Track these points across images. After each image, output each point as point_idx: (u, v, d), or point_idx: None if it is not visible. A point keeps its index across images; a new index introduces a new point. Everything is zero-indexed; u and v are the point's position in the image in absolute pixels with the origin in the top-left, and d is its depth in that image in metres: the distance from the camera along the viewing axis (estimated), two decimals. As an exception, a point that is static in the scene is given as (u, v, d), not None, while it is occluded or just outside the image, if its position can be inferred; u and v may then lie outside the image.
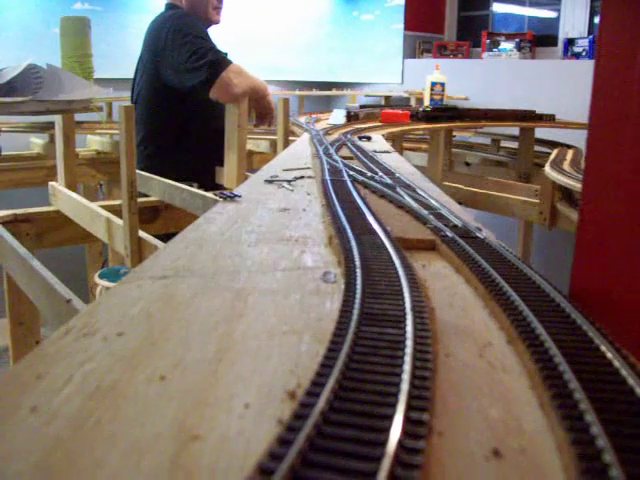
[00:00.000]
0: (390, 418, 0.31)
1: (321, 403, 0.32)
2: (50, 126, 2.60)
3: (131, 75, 2.63)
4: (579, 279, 0.63)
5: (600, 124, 0.68)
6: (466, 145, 3.59)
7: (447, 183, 2.53)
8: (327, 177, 1.06)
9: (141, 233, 1.69)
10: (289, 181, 1.10)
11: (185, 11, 2.42)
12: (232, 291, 0.53)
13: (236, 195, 0.95)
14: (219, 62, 2.17)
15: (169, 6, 2.46)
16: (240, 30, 4.25)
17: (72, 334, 0.43)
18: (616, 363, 0.38)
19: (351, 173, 1.11)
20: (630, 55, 0.62)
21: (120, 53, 3.53)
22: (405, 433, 0.30)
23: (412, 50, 5.20)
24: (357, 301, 0.46)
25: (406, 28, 4.95)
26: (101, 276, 3.03)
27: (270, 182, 1.10)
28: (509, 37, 4.24)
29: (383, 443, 0.29)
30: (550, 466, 0.31)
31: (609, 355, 0.39)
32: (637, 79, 0.61)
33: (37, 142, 3.06)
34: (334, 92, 4.95)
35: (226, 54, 2.28)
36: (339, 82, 5.04)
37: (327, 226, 0.76)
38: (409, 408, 0.32)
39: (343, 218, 0.75)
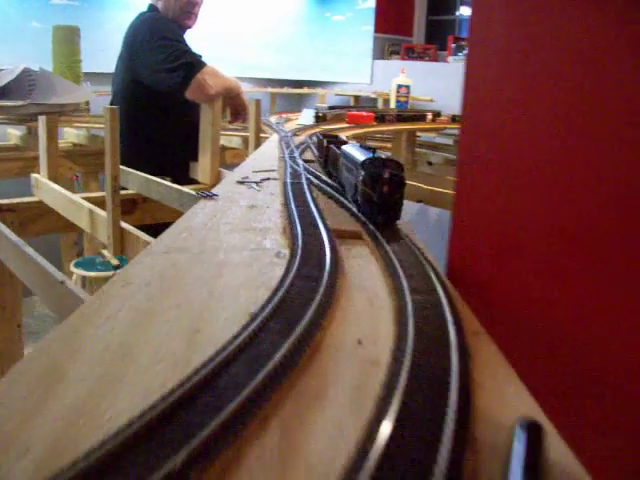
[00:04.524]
0: (303, 317, 0.58)
1: (268, 310, 0.59)
2: (27, 119, 2.60)
3: (108, 70, 2.67)
4: (454, 262, 0.86)
5: (471, 114, 0.79)
6: (431, 145, 3.70)
7: (409, 182, 2.76)
8: (288, 180, 1.32)
9: (122, 224, 1.85)
10: (257, 182, 1.36)
11: (161, 14, 2.51)
12: (214, 263, 0.80)
13: (214, 194, 1.21)
14: (194, 64, 2.28)
15: (150, 7, 2.56)
16: (214, 28, 4.29)
17: (116, 284, 0.69)
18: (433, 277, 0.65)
19: (308, 177, 1.37)
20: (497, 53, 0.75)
21: (97, 48, 3.53)
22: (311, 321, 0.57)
23: (381, 51, 5.33)
24: (294, 268, 0.73)
25: (376, 30, 5.02)
26: (77, 265, 3.18)
27: (242, 183, 1.36)
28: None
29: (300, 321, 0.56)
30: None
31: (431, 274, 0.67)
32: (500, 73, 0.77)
33: (15, 133, 3.09)
34: (305, 90, 5.05)
35: (200, 56, 2.39)
36: (310, 80, 5.09)
37: (283, 220, 1.02)
38: (315, 315, 0.59)
39: (295, 214, 1.01)
